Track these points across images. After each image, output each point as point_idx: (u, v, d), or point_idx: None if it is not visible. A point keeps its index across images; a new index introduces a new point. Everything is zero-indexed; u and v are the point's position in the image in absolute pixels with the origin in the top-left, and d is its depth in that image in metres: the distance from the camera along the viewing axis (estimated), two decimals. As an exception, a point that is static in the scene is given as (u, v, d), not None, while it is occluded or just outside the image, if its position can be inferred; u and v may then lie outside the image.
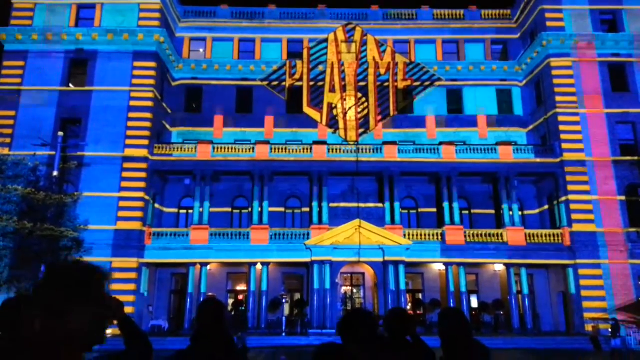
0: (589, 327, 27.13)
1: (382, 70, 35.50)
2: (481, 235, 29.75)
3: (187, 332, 26.85)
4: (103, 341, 1.68)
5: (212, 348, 3.07)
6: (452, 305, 28.02)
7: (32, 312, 1.65)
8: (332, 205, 30.66)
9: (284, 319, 29.46)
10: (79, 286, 1.65)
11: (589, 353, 24.71)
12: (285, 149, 31.29)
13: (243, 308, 30.59)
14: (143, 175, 29.46)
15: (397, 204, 30.41)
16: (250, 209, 32.18)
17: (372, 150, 31.25)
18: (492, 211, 32.95)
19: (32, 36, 30.82)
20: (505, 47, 36.74)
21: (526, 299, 29.09)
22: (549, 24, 32.23)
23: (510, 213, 30.23)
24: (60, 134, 25.82)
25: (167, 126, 34.11)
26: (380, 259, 29.02)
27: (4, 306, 3.18)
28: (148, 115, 30.32)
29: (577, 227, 28.94)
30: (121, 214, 28.49)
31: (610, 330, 24.03)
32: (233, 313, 30.57)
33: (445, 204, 30.35)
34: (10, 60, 30.87)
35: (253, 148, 31.08)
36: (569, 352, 24.43)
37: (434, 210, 33.07)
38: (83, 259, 25.32)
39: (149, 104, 30.43)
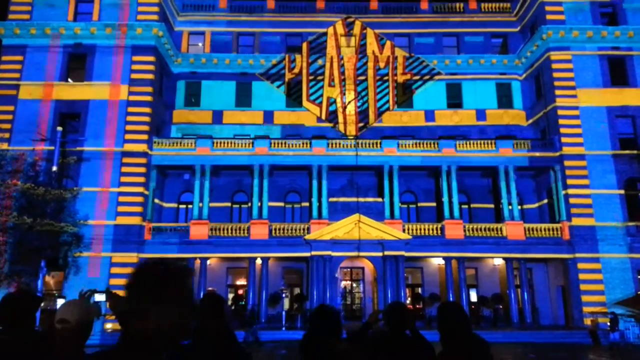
0: (587, 321, 27.19)
1: (382, 64, 35.41)
2: (480, 229, 29.78)
3: (187, 327, 26.90)
4: (189, 336, 1.67)
5: (213, 342, 3.08)
6: (451, 299, 28.10)
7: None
8: (331, 199, 30.67)
9: (283, 313, 29.54)
10: (162, 287, 1.65)
11: (588, 347, 24.79)
12: (285, 143, 31.26)
13: (243, 302, 30.67)
14: (142, 170, 29.44)
15: (396, 199, 30.43)
16: (249, 204, 32.19)
17: (371, 145, 31.22)
18: (492, 205, 32.98)
19: (30, 31, 30.69)
20: (505, 41, 36.65)
21: (525, 293, 29.15)
22: (548, 17, 32.13)
23: (510, 207, 30.26)
24: (59, 128, 25.77)
25: (166, 121, 34.05)
26: (380, 254, 29.06)
27: (4, 301, 3.19)
28: (147, 110, 30.25)
29: (576, 221, 28.96)
30: (121, 209, 28.48)
31: (609, 324, 24.16)
32: (233, 307, 30.67)
33: (445, 199, 30.37)
34: (9, 54, 30.76)
35: (252, 143, 31.05)
36: (567, 345, 24.52)
37: (434, 204, 33.10)
38: (83, 254, 25.40)
39: (148, 98, 30.36)
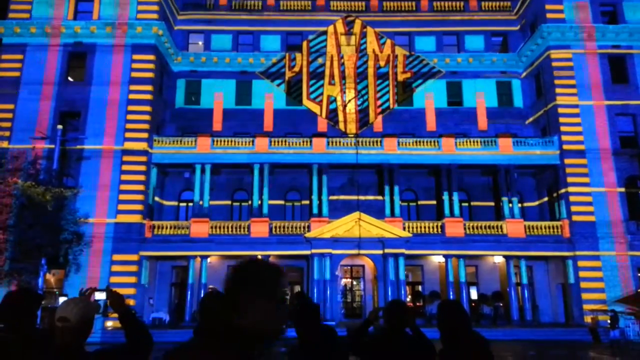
0: (588, 319, 27.24)
1: (382, 63, 35.39)
2: (481, 227, 29.79)
3: (188, 325, 26.98)
4: (283, 332, 1.81)
5: (214, 339, 3.09)
6: (451, 297, 28.13)
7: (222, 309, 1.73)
8: (331, 197, 30.68)
9: (284, 311, 29.52)
10: (261, 284, 1.75)
11: (588, 344, 24.84)
12: (285, 141, 31.25)
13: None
14: (143, 168, 29.45)
15: (396, 197, 30.44)
16: (250, 202, 32.21)
17: (371, 143, 31.22)
18: (492, 203, 32.99)
19: (30, 29, 30.68)
20: (506, 39, 36.61)
21: (525, 291, 29.17)
22: (549, 15, 32.10)
23: (510, 205, 30.27)
24: (60, 127, 25.78)
25: (167, 119, 34.06)
26: (380, 251, 29.08)
27: (6, 299, 3.21)
28: (147, 108, 30.25)
29: (576, 219, 28.99)
30: (121, 207, 28.51)
31: (609, 321, 24.18)
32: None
33: (445, 197, 30.38)
34: (9, 53, 30.75)
35: (253, 141, 31.04)
36: (567, 343, 24.56)
37: (434, 202, 33.11)
38: (83, 252, 25.41)
39: (148, 97, 30.36)
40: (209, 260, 29.92)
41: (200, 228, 29.35)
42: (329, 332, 4.25)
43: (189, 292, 28.76)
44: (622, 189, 29.43)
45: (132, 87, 30.28)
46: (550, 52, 31.68)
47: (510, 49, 35.98)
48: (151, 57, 30.97)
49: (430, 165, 31.49)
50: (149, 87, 30.44)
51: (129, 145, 29.48)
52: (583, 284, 28.10)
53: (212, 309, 3.17)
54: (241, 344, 1.70)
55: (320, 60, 35.34)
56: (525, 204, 33.19)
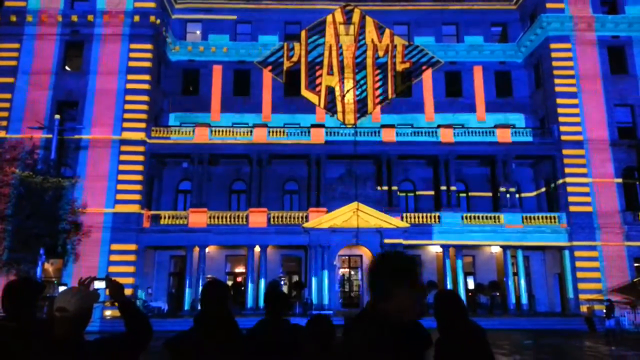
0: (583, 308, 27.45)
1: (381, 53, 35.22)
2: (478, 217, 29.87)
3: (187, 314, 27.09)
4: (421, 316, 2.07)
5: (216, 327, 3.12)
6: (448, 286, 28.27)
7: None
8: (330, 188, 30.67)
9: (282, 300, 29.59)
10: (403, 273, 1.93)
11: (584, 333, 25.03)
12: (283, 132, 31.19)
13: (244, 289, 30.83)
14: (141, 158, 29.40)
15: (395, 187, 30.46)
16: (248, 192, 32.20)
17: (370, 134, 31.18)
18: (490, 194, 33.04)
19: (26, 18, 30.45)
20: (505, 30, 36.44)
21: (522, 281, 29.33)
22: (548, 5, 31.94)
23: (508, 195, 30.33)
24: (57, 116, 25.69)
25: (165, 109, 33.93)
26: (378, 242, 29.15)
27: (8, 288, 3.23)
28: (145, 98, 30.14)
29: (573, 210, 29.07)
30: (119, 197, 28.50)
31: (604, 311, 24.32)
32: (232, 294, 30.80)
33: (443, 187, 30.42)
34: (5, 42, 30.54)
35: (251, 131, 30.98)
36: (563, 332, 24.74)
37: (432, 193, 33.15)
38: (82, 242, 25.43)
39: (146, 86, 30.23)
40: (207, 250, 29.97)
41: (198, 218, 29.37)
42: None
43: (188, 282, 28.83)
44: (620, 180, 29.50)
45: (130, 77, 30.13)
46: (549, 43, 31.57)
47: (510, 39, 35.83)
48: (149, 46, 30.79)
49: (429, 155, 31.49)
50: (146, 77, 30.30)
51: (126, 135, 29.41)
52: (579, 274, 28.26)
53: (213, 298, 3.21)
54: (385, 329, 1.84)
55: (319, 50, 35.15)
56: (523, 195, 33.27)
